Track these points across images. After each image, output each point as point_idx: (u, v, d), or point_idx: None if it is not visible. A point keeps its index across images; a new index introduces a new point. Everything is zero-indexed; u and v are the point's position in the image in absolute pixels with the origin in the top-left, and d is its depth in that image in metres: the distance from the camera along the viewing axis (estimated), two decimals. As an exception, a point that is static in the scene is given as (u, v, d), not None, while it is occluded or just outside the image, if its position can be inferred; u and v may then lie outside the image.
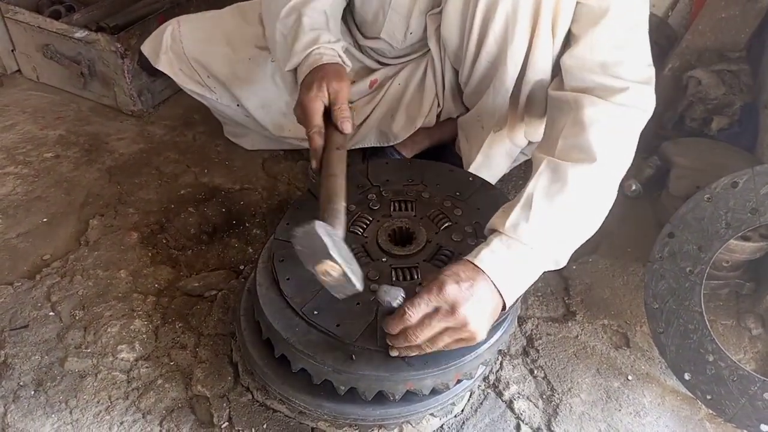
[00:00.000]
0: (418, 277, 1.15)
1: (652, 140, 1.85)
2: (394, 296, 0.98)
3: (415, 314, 0.96)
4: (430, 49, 1.51)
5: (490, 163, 1.55)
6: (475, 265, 1.01)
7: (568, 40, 1.25)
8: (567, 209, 1.07)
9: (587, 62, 1.18)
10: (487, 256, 1.02)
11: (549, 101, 1.29)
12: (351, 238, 1.20)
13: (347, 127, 1.19)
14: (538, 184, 1.08)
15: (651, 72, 1.18)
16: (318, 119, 1.19)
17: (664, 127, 1.83)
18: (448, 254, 1.19)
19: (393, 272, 1.16)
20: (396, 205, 1.28)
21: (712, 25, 1.80)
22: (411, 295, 0.99)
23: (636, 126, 1.17)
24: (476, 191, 1.33)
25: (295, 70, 1.34)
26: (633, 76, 1.15)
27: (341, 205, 1.10)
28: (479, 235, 1.21)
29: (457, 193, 1.32)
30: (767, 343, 1.41)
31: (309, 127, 1.20)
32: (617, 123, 1.13)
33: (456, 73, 1.51)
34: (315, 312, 1.09)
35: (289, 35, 1.35)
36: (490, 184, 1.40)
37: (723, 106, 1.73)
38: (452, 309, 0.96)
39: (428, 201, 1.30)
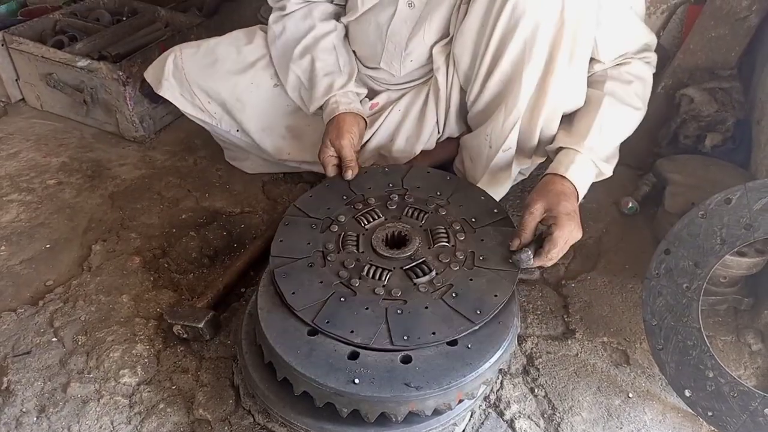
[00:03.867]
0: (427, 273, 1.21)
1: (647, 158, 1.88)
2: (525, 259, 1.22)
3: (555, 258, 1.24)
4: (432, 77, 1.54)
5: (495, 182, 1.57)
6: (568, 180, 1.31)
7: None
8: (618, 138, 1.43)
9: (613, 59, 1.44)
10: (574, 172, 1.32)
11: None
12: (349, 255, 1.24)
13: (348, 175, 1.42)
14: (606, 117, 1.37)
15: (652, 35, 1.48)
16: (334, 172, 1.46)
17: (659, 145, 1.85)
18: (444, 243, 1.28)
19: (404, 273, 1.21)
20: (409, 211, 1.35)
21: (703, 44, 1.83)
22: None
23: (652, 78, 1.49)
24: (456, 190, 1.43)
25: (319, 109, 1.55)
26: (646, 44, 1.47)
27: None
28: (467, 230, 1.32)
29: (438, 193, 1.40)
30: (767, 359, 1.41)
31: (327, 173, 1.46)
32: (649, 77, 1.47)
33: (463, 94, 1.53)
34: (327, 322, 1.12)
35: (305, 80, 1.55)
36: (468, 182, 1.52)
37: (716, 123, 1.75)
38: (573, 237, 1.26)
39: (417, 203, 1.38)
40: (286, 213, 1.35)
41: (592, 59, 1.41)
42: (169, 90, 1.70)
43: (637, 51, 1.45)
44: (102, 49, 2.15)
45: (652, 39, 1.48)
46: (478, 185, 1.56)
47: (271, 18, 1.60)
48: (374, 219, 1.33)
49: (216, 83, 1.66)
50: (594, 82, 1.42)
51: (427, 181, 1.42)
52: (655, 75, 1.94)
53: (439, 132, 1.64)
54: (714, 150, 1.75)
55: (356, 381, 1.06)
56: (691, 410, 1.28)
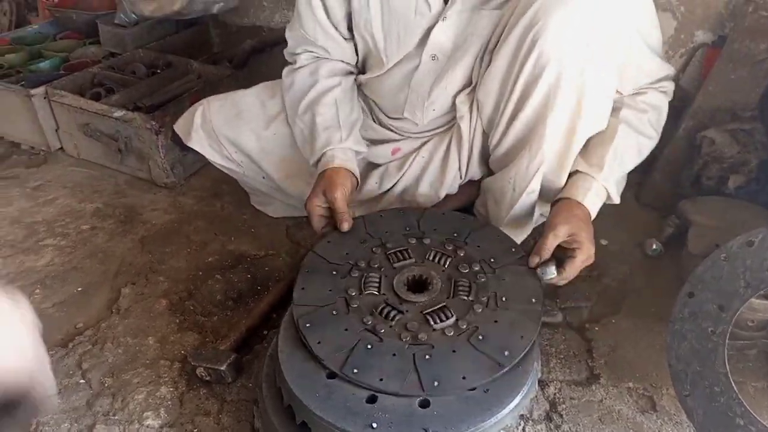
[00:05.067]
0: (452, 315, 1.20)
1: (670, 199, 1.87)
2: (550, 272, 1.29)
3: (572, 277, 1.32)
4: (455, 124, 1.58)
5: (518, 225, 1.57)
6: (584, 206, 1.36)
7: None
8: (629, 166, 1.47)
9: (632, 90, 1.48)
10: (591, 199, 1.37)
11: None
12: (372, 301, 1.25)
13: (344, 227, 1.41)
14: (620, 145, 1.40)
15: (669, 66, 1.50)
16: (319, 223, 1.47)
17: (682, 186, 1.84)
18: (465, 284, 1.27)
19: (429, 317, 1.20)
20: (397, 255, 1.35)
21: (722, 86, 1.84)
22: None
23: (667, 106, 1.51)
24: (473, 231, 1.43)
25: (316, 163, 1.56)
26: (664, 75, 1.49)
27: None
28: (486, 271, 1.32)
29: (455, 234, 1.41)
30: (801, 406, 1.36)
31: (314, 228, 1.48)
32: (664, 106, 1.49)
33: (485, 138, 1.56)
34: (355, 371, 1.11)
35: (307, 133, 1.59)
36: (483, 222, 1.55)
37: (739, 164, 1.74)
38: (589, 260, 1.32)
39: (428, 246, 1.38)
40: (306, 259, 1.36)
41: None
42: (197, 142, 1.77)
43: (654, 82, 1.47)
44: (137, 100, 2.26)
45: (668, 70, 1.50)
46: (501, 228, 1.57)
47: (284, 71, 1.68)
48: (395, 262, 1.33)
49: (242, 135, 1.73)
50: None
51: (443, 223, 1.44)
52: (676, 117, 1.97)
53: (461, 177, 1.66)
54: (738, 191, 1.73)
55: (374, 425, 1.05)
56: (721, 460, 1.23)
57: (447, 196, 1.70)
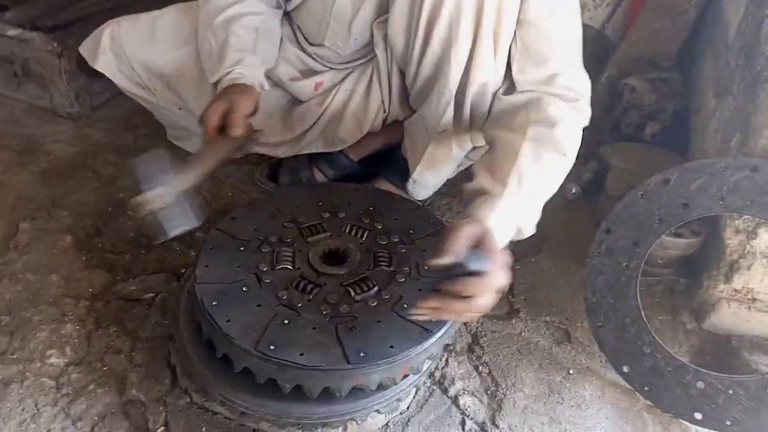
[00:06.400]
0: (374, 286, 1.15)
1: (590, 146, 1.92)
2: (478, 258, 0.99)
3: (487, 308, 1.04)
4: (375, 56, 1.53)
5: (435, 166, 1.57)
6: (488, 228, 1.08)
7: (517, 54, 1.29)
8: (541, 190, 1.22)
9: (537, 78, 1.26)
10: (494, 219, 1.11)
11: (501, 104, 1.32)
12: (286, 275, 1.18)
13: (232, 132, 1.26)
14: (524, 164, 1.17)
15: (589, 85, 1.30)
16: (213, 132, 1.29)
17: (601, 133, 1.90)
18: (385, 255, 1.23)
19: (349, 289, 1.15)
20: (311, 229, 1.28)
21: (646, 35, 1.89)
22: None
23: (581, 129, 1.28)
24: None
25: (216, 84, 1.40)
26: (578, 88, 1.26)
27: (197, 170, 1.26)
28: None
29: (371, 208, 1.35)
30: (701, 337, 1.46)
31: (206, 125, 1.29)
32: (576, 123, 1.25)
33: (403, 76, 1.52)
34: (271, 347, 1.04)
35: (216, 49, 1.44)
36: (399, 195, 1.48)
37: (656, 112, 1.81)
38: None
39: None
40: (208, 236, 1.24)
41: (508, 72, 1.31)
42: (105, 65, 1.62)
43: (564, 86, 1.25)
44: (36, 20, 2.02)
45: (580, 84, 1.28)
46: (417, 169, 1.56)
47: None
48: (308, 237, 1.26)
49: (156, 56, 1.59)
50: (515, 126, 1.25)
51: (358, 197, 1.38)
52: (599, 66, 2.00)
53: (385, 111, 1.62)
54: (654, 138, 1.81)
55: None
56: (629, 385, 1.31)
57: (371, 135, 1.66)
